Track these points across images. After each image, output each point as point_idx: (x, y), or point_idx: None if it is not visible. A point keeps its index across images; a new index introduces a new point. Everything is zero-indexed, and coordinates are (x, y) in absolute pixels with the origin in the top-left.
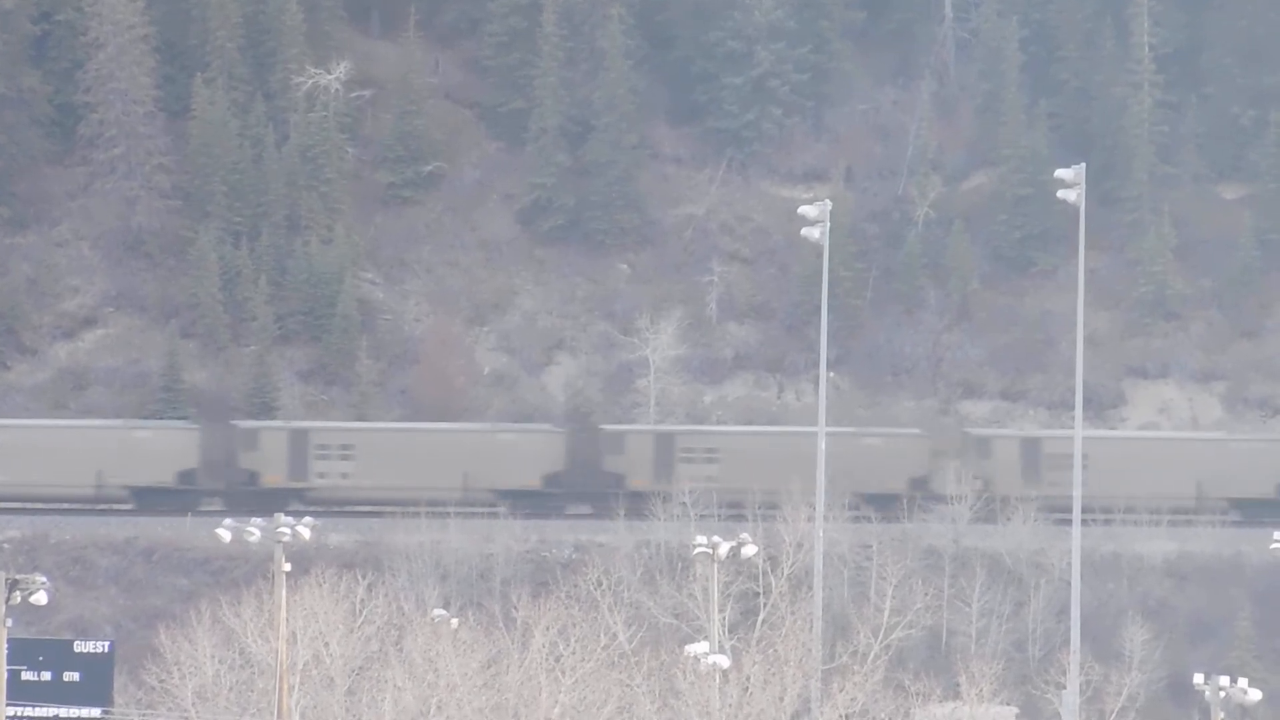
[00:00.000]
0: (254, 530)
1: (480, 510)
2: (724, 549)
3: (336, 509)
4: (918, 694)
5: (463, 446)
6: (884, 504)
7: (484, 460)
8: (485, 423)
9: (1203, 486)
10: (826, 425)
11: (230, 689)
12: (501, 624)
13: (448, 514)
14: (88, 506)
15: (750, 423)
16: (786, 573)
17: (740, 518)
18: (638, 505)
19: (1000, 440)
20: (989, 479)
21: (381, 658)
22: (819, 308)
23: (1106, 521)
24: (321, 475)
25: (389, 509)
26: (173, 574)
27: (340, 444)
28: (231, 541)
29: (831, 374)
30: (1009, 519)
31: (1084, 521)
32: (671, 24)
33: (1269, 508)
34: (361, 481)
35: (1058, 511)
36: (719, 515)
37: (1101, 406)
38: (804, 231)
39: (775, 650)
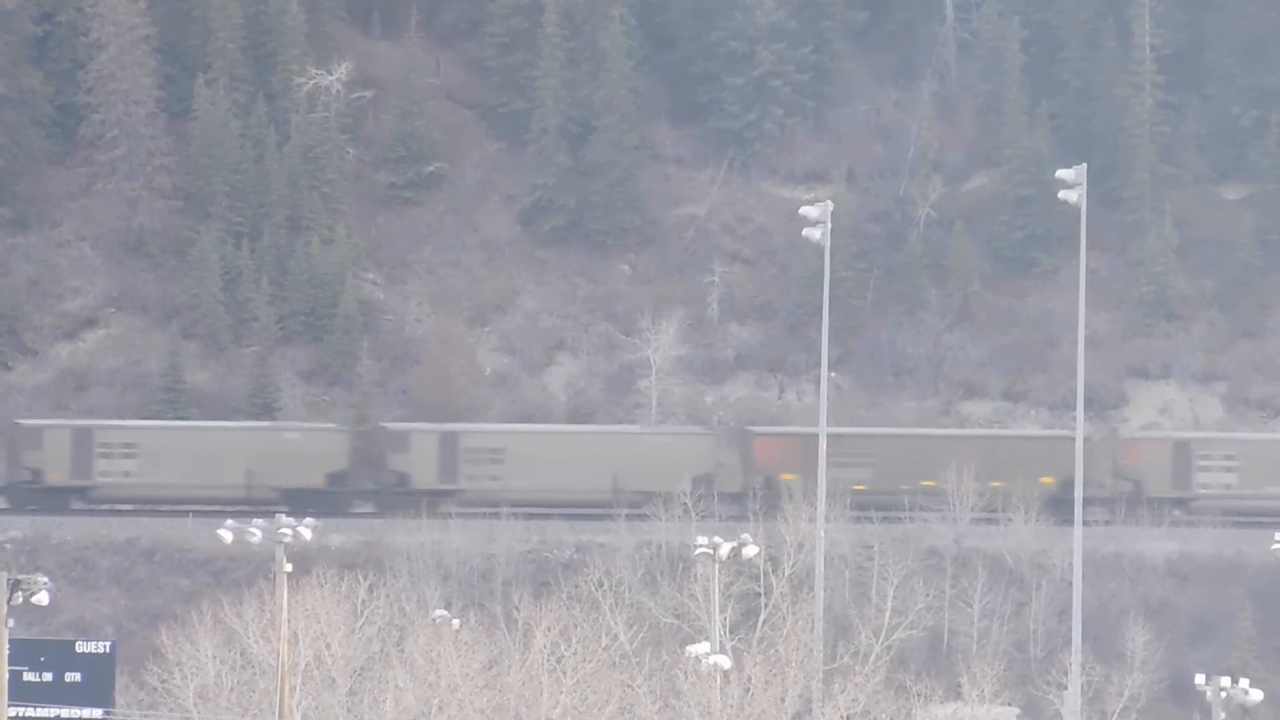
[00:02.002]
0: (255, 531)
1: (482, 512)
2: (725, 550)
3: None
4: (919, 695)
5: None
6: (302, 499)
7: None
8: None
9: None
10: (829, 426)
11: (232, 689)
12: (503, 624)
13: (449, 516)
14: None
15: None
16: (788, 573)
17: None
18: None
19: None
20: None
21: (383, 658)
22: (820, 308)
23: (1108, 522)
24: (1204, 487)
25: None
26: (174, 574)
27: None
28: (233, 542)
29: (833, 374)
30: (1010, 520)
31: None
32: (672, 24)
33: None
34: (512, 484)
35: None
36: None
37: (1103, 407)
38: (805, 232)
39: (776, 651)
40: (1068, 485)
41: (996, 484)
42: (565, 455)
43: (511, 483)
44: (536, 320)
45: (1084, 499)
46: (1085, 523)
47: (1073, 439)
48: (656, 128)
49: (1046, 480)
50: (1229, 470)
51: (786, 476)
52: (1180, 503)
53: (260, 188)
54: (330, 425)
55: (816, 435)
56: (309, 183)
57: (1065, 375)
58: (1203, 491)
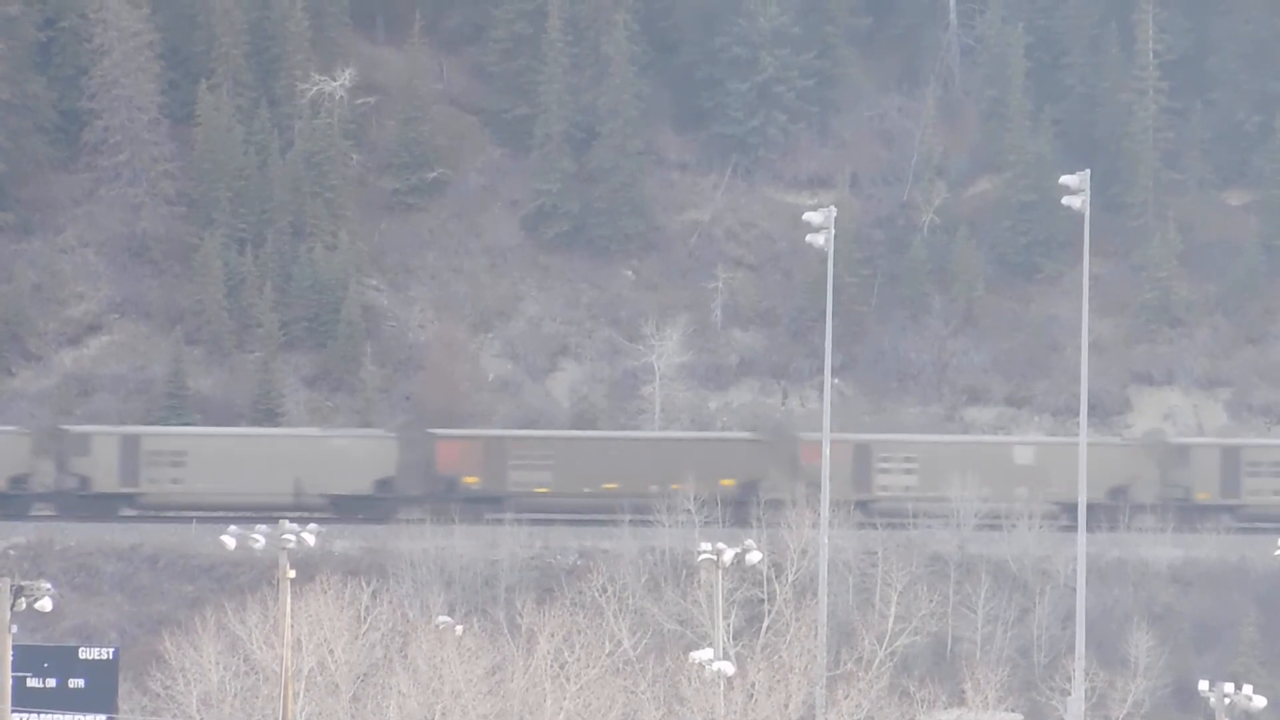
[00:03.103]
0: (258, 537)
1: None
2: (729, 555)
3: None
4: (923, 701)
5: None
6: (350, 505)
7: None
8: None
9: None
10: (831, 432)
11: (235, 696)
12: (506, 630)
13: (452, 520)
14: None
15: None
16: (791, 579)
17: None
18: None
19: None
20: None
21: (386, 664)
22: (824, 314)
23: (1111, 528)
24: (884, 488)
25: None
26: (178, 580)
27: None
28: (236, 548)
29: (836, 380)
30: (1014, 526)
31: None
32: (676, 30)
33: None
34: (194, 486)
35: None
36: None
37: (1106, 413)
38: (809, 238)
39: (780, 657)
40: (748, 487)
41: (676, 486)
42: (247, 458)
43: (193, 485)
44: (540, 326)
45: (764, 501)
46: (771, 524)
47: (751, 441)
48: (660, 133)
49: (727, 482)
50: (909, 472)
51: (469, 480)
52: (861, 505)
53: (264, 193)
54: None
55: (499, 438)
56: (312, 188)
57: (1069, 381)
58: (883, 493)
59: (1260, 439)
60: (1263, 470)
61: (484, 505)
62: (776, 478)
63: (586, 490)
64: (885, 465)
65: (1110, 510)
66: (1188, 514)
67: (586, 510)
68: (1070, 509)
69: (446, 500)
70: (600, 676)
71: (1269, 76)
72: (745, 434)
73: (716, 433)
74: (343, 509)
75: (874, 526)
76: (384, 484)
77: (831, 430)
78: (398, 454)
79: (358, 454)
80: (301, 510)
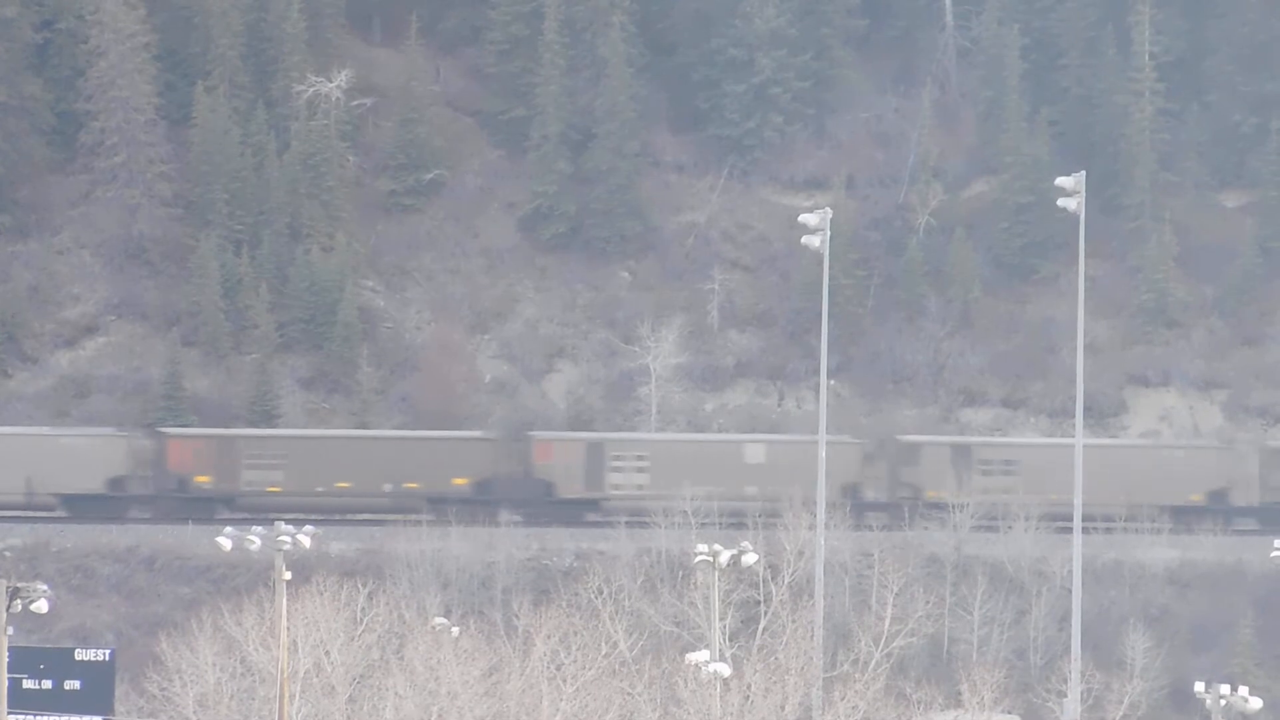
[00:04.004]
0: (254, 539)
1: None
2: (725, 557)
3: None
4: (919, 702)
5: None
6: (82, 504)
7: None
8: None
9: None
10: (828, 434)
11: (231, 697)
12: (503, 632)
13: (449, 523)
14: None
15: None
16: (788, 581)
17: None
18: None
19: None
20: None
21: (383, 666)
22: (820, 315)
23: (1108, 530)
24: (616, 487)
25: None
26: (174, 582)
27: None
28: (232, 550)
29: (832, 382)
30: (1010, 528)
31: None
32: (673, 31)
33: None
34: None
35: None
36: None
37: (1103, 414)
38: (805, 239)
39: (776, 658)
40: (483, 485)
41: (411, 485)
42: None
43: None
44: (536, 327)
45: (497, 499)
46: (523, 524)
47: (483, 440)
48: (657, 135)
49: (460, 481)
50: (641, 470)
51: (201, 479)
52: (592, 503)
53: (260, 195)
54: (475, 432)
55: (230, 437)
56: (309, 190)
57: (1065, 382)
58: (615, 492)
59: (989, 437)
60: (994, 469)
61: (216, 504)
62: (508, 477)
63: (319, 489)
64: (617, 464)
65: (839, 507)
66: (919, 510)
67: (319, 510)
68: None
69: (178, 499)
70: (597, 678)
71: (1265, 78)
72: (476, 433)
73: (448, 432)
74: (74, 508)
75: (608, 525)
76: (115, 483)
77: (828, 432)
78: (128, 453)
79: (88, 453)
80: (33, 510)
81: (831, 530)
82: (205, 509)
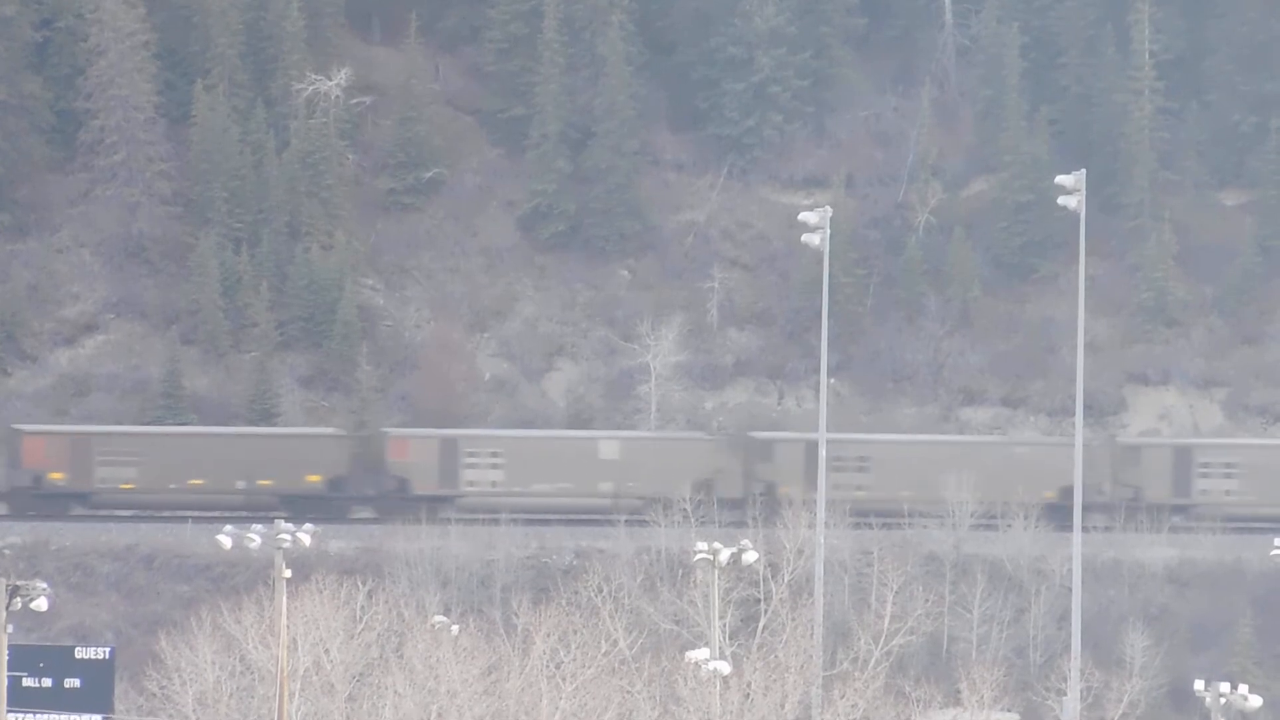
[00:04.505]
0: (254, 537)
1: (480, 517)
2: (725, 555)
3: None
4: (919, 700)
5: None
6: None
7: None
8: None
9: None
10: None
11: (231, 695)
12: (502, 630)
13: (449, 521)
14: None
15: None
16: (787, 579)
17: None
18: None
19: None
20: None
21: (382, 664)
22: (820, 314)
23: (1108, 528)
24: (471, 483)
25: None
26: (173, 580)
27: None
28: (232, 548)
29: (832, 381)
30: (1009, 526)
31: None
32: (672, 30)
33: None
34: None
35: None
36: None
37: (1102, 413)
38: (804, 238)
39: (776, 656)
40: (336, 482)
41: (265, 482)
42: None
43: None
44: (536, 326)
45: (351, 497)
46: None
47: (336, 436)
48: (656, 133)
49: (313, 478)
50: (495, 467)
51: (55, 475)
52: (447, 500)
53: (259, 193)
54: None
55: (84, 434)
56: (308, 188)
57: (1065, 381)
58: (469, 489)
59: (843, 434)
60: (848, 465)
61: (69, 501)
62: (363, 474)
63: (172, 486)
64: (472, 460)
65: (696, 505)
66: (773, 507)
67: (171, 507)
68: (654, 503)
69: (32, 496)
70: (596, 676)
71: (1265, 77)
72: (331, 430)
73: (301, 429)
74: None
75: (453, 522)
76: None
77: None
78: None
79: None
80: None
81: (831, 529)
82: (59, 506)
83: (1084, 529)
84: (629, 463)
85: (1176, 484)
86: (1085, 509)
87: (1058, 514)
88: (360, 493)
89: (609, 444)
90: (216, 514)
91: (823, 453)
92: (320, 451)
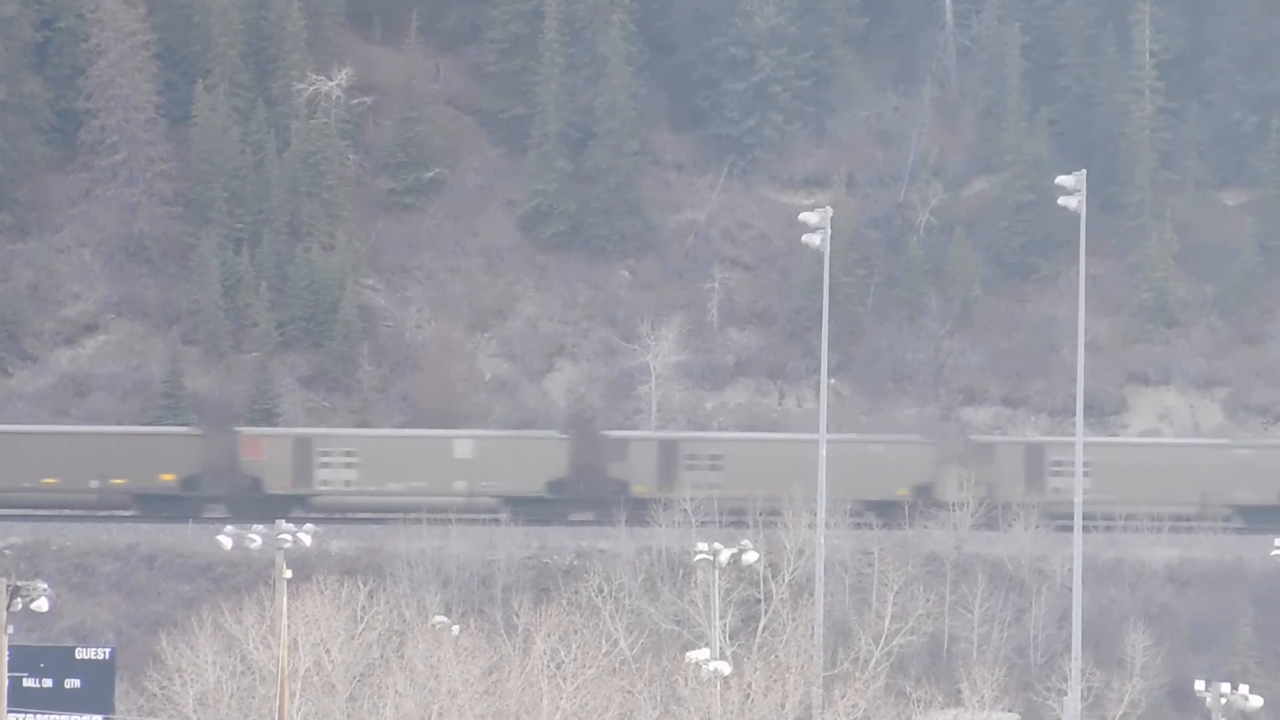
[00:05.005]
0: (255, 537)
1: (479, 516)
2: (725, 556)
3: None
4: (919, 700)
5: None
6: None
7: None
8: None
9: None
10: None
11: (231, 695)
12: (503, 630)
13: (450, 520)
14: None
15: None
16: (788, 579)
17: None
18: None
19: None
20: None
21: (383, 664)
22: (820, 314)
23: (1108, 528)
24: (325, 482)
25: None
26: (174, 580)
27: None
28: (233, 548)
29: (833, 380)
30: (1010, 525)
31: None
32: (673, 30)
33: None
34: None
35: None
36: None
37: (1103, 413)
38: (805, 238)
39: (777, 657)
40: (190, 481)
41: (119, 481)
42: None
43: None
44: (536, 326)
45: (205, 495)
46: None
47: (188, 435)
48: (657, 133)
49: (167, 477)
50: (349, 466)
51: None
52: (301, 499)
53: (260, 193)
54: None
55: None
56: (309, 188)
57: (1065, 381)
58: (323, 488)
59: (694, 432)
60: (700, 464)
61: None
62: (216, 473)
63: (26, 485)
64: (325, 459)
65: (543, 503)
66: (630, 505)
67: (26, 505)
68: (509, 502)
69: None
70: (597, 676)
71: (1265, 77)
72: (184, 429)
73: (154, 427)
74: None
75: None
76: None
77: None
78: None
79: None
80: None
81: (831, 529)
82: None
83: (929, 527)
84: (482, 462)
85: (1029, 482)
86: (937, 507)
87: (897, 511)
88: (213, 492)
89: (463, 443)
90: (69, 513)
91: (823, 453)
92: (174, 451)
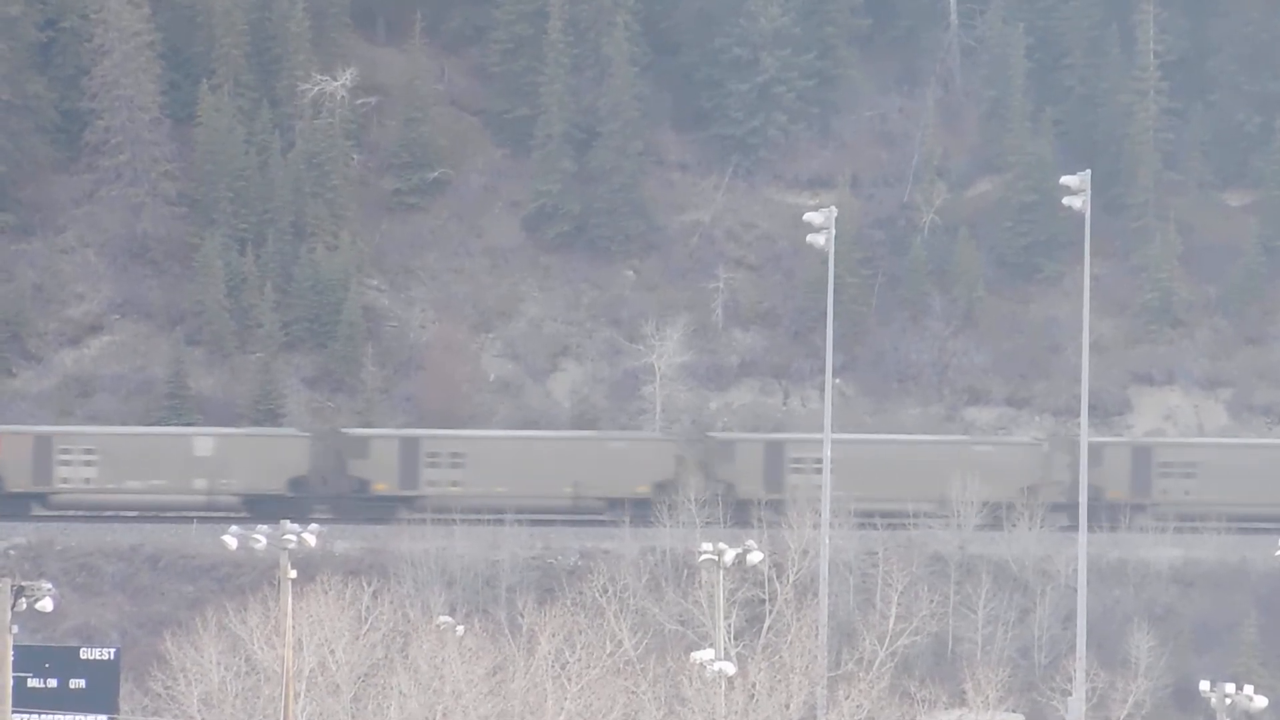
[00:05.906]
0: (259, 537)
1: (74, 513)
2: (729, 556)
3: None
4: (923, 701)
5: None
6: None
7: None
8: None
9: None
10: (832, 432)
11: (236, 696)
12: (507, 631)
13: (453, 521)
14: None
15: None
16: (792, 579)
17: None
18: None
19: None
20: None
21: (387, 665)
22: (825, 314)
23: (1113, 528)
24: (65, 480)
25: None
26: (179, 581)
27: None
28: (237, 548)
29: (837, 381)
30: (1014, 525)
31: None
32: (677, 31)
33: None
34: None
35: None
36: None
37: (1107, 413)
38: (809, 238)
39: (781, 657)
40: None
41: None
42: None
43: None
44: (541, 326)
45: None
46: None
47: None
48: (661, 134)
49: None
50: (89, 464)
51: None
52: (40, 498)
53: (264, 194)
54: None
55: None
56: (313, 189)
57: (1069, 382)
58: (63, 485)
59: (434, 430)
60: (441, 461)
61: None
62: None
63: None
64: (65, 457)
65: (289, 501)
66: (367, 505)
67: None
68: (249, 500)
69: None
70: (601, 677)
71: (1269, 77)
72: None
73: None
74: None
75: (52, 520)
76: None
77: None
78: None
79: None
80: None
81: (836, 529)
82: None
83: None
84: (223, 460)
85: (768, 479)
86: (672, 507)
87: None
88: None
89: (202, 441)
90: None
91: (827, 452)
92: None
